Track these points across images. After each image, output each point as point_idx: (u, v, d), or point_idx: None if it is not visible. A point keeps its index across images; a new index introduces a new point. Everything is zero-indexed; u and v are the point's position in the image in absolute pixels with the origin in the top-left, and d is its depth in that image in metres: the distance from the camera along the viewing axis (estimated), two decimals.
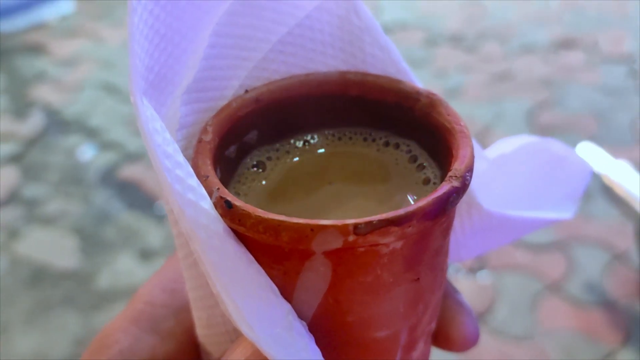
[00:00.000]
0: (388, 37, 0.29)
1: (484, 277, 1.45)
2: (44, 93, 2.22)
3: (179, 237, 0.26)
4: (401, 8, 2.65)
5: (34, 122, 2.08)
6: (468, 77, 2.17)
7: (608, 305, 1.36)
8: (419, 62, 2.25)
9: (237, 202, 0.22)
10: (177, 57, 0.25)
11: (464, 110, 1.98)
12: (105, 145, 1.94)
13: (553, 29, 2.44)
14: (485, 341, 1.31)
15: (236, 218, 0.22)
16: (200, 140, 0.25)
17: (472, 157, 0.24)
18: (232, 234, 0.22)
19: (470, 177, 0.24)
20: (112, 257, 1.57)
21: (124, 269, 1.53)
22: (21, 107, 2.16)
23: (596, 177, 1.58)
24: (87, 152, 1.92)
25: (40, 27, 2.61)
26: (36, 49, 2.48)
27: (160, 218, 1.66)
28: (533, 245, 1.51)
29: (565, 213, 0.35)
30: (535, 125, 1.91)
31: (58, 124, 2.07)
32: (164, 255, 1.56)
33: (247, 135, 0.28)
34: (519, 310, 1.37)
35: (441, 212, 0.22)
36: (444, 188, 0.22)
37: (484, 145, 0.33)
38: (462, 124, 0.26)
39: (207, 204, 0.22)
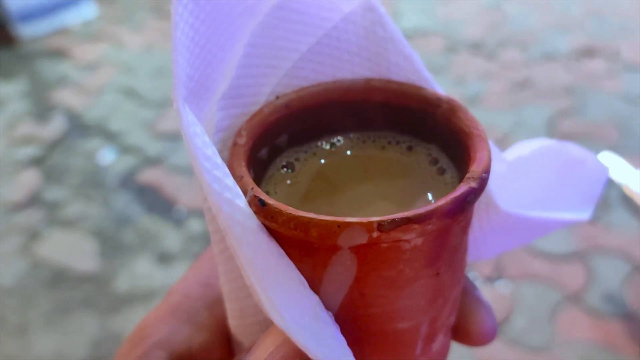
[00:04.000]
0: (410, 45, 0.30)
1: (502, 287, 1.44)
2: (65, 97, 2.25)
3: (215, 234, 0.28)
4: (421, 14, 2.64)
5: (56, 126, 2.11)
6: (488, 85, 2.16)
7: (628, 316, 1.35)
8: (439, 69, 2.24)
9: (270, 200, 0.23)
10: (214, 66, 0.26)
11: (484, 117, 1.98)
12: (125, 149, 1.97)
13: (574, 36, 2.43)
14: (503, 351, 1.30)
15: (269, 215, 0.23)
16: (235, 144, 0.27)
17: (489, 159, 0.25)
18: (265, 229, 0.24)
19: (487, 178, 0.25)
20: (131, 260, 1.58)
21: (142, 272, 1.55)
22: (43, 111, 2.19)
23: (616, 187, 1.57)
24: (107, 156, 1.95)
25: (62, 31, 2.65)
26: (58, 54, 2.52)
27: (178, 222, 1.68)
28: (552, 255, 1.50)
29: (582, 214, 0.35)
30: (556, 133, 1.90)
31: (79, 127, 2.09)
32: (182, 259, 1.57)
33: (278, 139, 0.29)
34: (537, 320, 1.37)
35: (459, 211, 0.23)
36: (462, 188, 0.24)
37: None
38: (480, 128, 0.27)
39: (242, 202, 0.23)
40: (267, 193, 0.28)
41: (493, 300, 1.40)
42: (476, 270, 1.47)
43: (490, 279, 1.45)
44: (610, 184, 1.58)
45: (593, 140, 1.85)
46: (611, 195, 1.62)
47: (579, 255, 1.50)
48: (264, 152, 0.29)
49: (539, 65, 2.26)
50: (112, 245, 1.63)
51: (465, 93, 2.11)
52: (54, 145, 2.02)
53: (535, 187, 0.33)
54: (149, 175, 1.85)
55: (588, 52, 2.31)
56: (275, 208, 0.23)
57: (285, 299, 0.23)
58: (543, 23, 2.54)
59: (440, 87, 0.30)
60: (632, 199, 1.48)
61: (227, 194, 0.23)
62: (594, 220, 1.58)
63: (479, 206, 0.31)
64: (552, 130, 1.92)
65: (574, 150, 0.35)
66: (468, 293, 0.31)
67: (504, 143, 1.84)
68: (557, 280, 1.44)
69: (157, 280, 1.52)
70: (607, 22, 2.51)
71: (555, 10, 2.64)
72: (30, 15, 2.58)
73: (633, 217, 1.57)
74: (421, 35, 2.48)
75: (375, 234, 0.22)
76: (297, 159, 0.30)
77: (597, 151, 1.59)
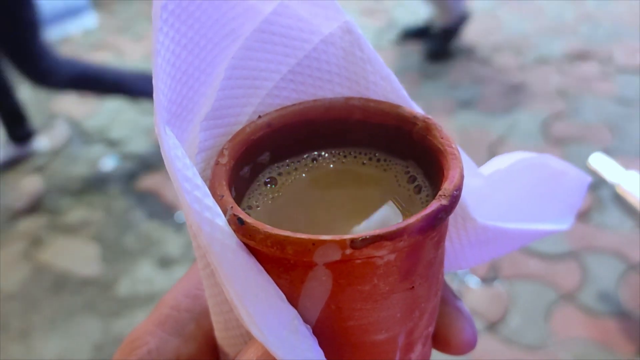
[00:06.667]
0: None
1: (498, 286, 1.45)
2: (67, 105, 2.28)
3: (198, 250, 0.29)
4: (417, 21, 2.67)
5: (58, 134, 2.13)
6: (483, 89, 2.19)
7: (622, 315, 1.36)
8: (435, 74, 2.27)
9: (248, 219, 0.24)
10: (197, 89, 0.28)
11: (479, 121, 2.00)
12: (126, 156, 1.99)
13: (568, 40, 2.45)
14: (499, 350, 1.31)
15: (247, 233, 0.24)
16: (217, 163, 0.28)
17: (461, 177, 0.26)
18: (244, 247, 0.25)
19: (459, 195, 0.26)
20: (132, 265, 1.60)
21: (143, 276, 1.57)
22: (45, 119, 2.21)
23: (609, 188, 1.59)
24: (108, 163, 1.97)
25: (64, 41, 2.67)
26: None
27: (179, 227, 1.70)
28: (547, 255, 1.52)
29: (562, 224, 0.36)
30: (550, 136, 1.92)
31: (80, 135, 2.12)
32: (183, 263, 1.59)
33: (260, 157, 0.30)
34: (532, 319, 1.38)
35: (430, 228, 0.24)
36: (433, 206, 0.25)
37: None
38: (453, 146, 0.28)
39: (221, 221, 0.24)
40: (250, 208, 0.29)
41: (489, 300, 1.42)
42: (472, 271, 1.49)
43: (486, 279, 1.47)
44: (603, 184, 1.60)
45: (586, 143, 1.87)
46: (604, 196, 1.64)
47: (574, 254, 1.51)
48: (246, 170, 0.29)
49: (533, 69, 2.29)
50: (113, 250, 1.65)
51: (461, 97, 2.13)
52: (56, 153, 2.04)
53: (514, 200, 0.34)
54: (150, 182, 1.87)
55: (581, 56, 2.34)
56: (253, 226, 0.24)
57: (264, 314, 0.24)
58: (537, 28, 2.56)
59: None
60: (625, 199, 1.50)
61: (206, 214, 0.24)
62: (588, 219, 1.60)
63: (457, 219, 0.32)
64: (546, 133, 1.94)
65: (553, 162, 0.35)
66: (448, 303, 0.32)
67: (498, 146, 1.87)
68: (552, 280, 1.46)
69: (158, 284, 1.54)
70: (600, 26, 2.54)
71: (548, 15, 2.66)
72: None
73: (626, 216, 1.59)
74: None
75: (348, 251, 0.23)
76: (279, 174, 0.31)
77: (591, 153, 1.61)
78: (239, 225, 0.24)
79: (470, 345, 0.32)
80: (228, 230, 0.24)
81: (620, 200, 1.59)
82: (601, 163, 1.45)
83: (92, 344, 1.41)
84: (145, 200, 1.80)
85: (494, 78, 2.24)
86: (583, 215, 1.60)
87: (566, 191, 0.37)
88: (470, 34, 2.53)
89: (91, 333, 1.44)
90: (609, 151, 1.76)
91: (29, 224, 1.75)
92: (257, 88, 0.30)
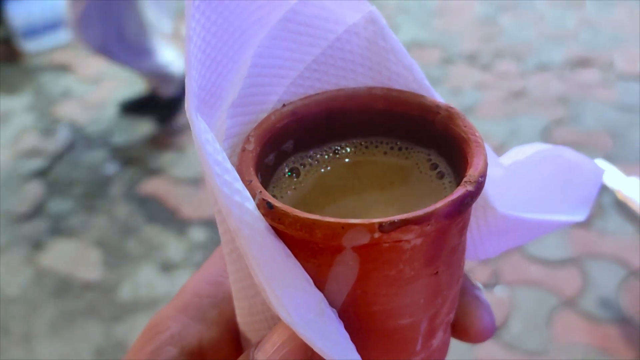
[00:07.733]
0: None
1: (500, 292, 1.46)
2: (69, 110, 2.29)
3: (225, 235, 0.29)
4: (418, 27, 2.68)
5: (60, 139, 2.14)
6: (484, 95, 2.19)
7: (623, 321, 1.36)
8: (436, 80, 2.28)
9: (277, 203, 0.25)
10: (225, 76, 0.28)
11: (480, 127, 1.99)
12: (128, 161, 2.00)
13: (569, 47, 2.46)
14: (500, 356, 1.32)
15: (276, 217, 0.24)
16: (243, 149, 0.28)
17: (486, 164, 0.27)
18: (272, 231, 0.25)
19: (484, 182, 0.26)
20: (134, 269, 1.60)
21: (145, 281, 1.57)
22: (47, 124, 2.22)
23: (610, 193, 1.59)
24: (110, 168, 1.98)
25: (66, 46, 2.68)
26: (62, 68, 2.56)
27: (180, 232, 1.70)
28: (548, 260, 1.52)
29: (578, 216, 0.36)
30: (550, 142, 1.92)
31: (82, 140, 2.12)
32: (185, 268, 1.59)
33: (285, 145, 0.31)
34: (534, 325, 1.38)
35: (457, 213, 0.25)
36: (460, 192, 0.25)
37: None
38: (477, 134, 0.28)
39: (251, 205, 0.25)
40: (274, 197, 0.29)
41: (490, 305, 1.42)
42: (474, 276, 1.50)
43: (487, 285, 1.47)
44: (604, 190, 1.61)
45: (587, 149, 1.87)
46: (605, 202, 1.65)
47: (575, 260, 1.52)
48: (271, 158, 0.30)
49: (534, 75, 2.29)
50: (115, 254, 1.66)
51: (462, 103, 2.14)
52: (58, 157, 2.04)
53: (532, 190, 0.35)
54: (152, 186, 1.88)
55: (582, 63, 2.34)
56: (282, 210, 0.24)
57: (291, 297, 0.24)
58: (538, 34, 2.57)
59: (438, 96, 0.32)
60: (626, 204, 1.50)
61: (236, 197, 0.24)
62: (589, 226, 1.60)
63: (477, 208, 0.32)
64: (547, 139, 1.95)
65: (569, 154, 0.36)
66: (467, 292, 0.33)
67: (499, 152, 1.85)
68: (553, 286, 1.46)
69: (159, 288, 1.54)
70: (600, 32, 2.55)
71: (549, 21, 2.67)
72: (34, 31, 2.62)
73: (627, 222, 1.60)
74: (418, 48, 2.51)
75: (376, 235, 0.23)
76: (302, 165, 0.31)
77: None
78: (268, 209, 0.24)
79: (488, 333, 0.32)
80: (257, 214, 0.25)
81: (621, 207, 1.60)
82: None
83: (94, 349, 1.42)
84: (147, 205, 1.81)
85: (495, 84, 2.25)
86: (584, 222, 1.60)
87: (581, 183, 0.37)
88: (471, 41, 2.55)
89: (93, 337, 1.44)
90: (609, 158, 1.76)
91: (31, 228, 1.75)
92: (282, 77, 0.30)
